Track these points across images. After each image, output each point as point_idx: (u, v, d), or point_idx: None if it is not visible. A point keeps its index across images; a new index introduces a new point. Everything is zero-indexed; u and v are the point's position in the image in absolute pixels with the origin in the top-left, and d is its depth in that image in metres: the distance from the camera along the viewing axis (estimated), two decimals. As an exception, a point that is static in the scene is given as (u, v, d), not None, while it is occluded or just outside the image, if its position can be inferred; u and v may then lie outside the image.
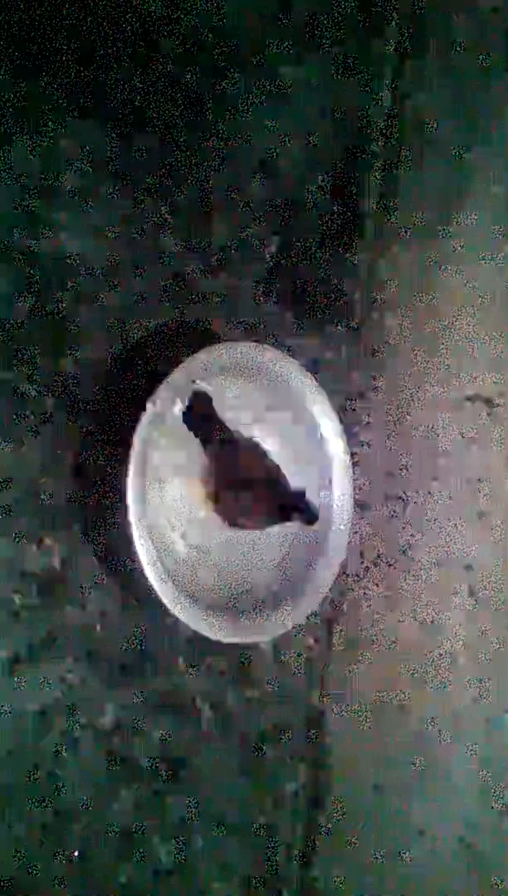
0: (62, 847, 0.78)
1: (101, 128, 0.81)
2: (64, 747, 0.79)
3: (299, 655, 0.91)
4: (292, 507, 0.79)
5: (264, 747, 0.90)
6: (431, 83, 0.96)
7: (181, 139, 0.85)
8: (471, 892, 0.81)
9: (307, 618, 0.87)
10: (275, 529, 0.87)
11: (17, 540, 0.77)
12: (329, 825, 0.92)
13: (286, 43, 0.91)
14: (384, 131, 0.98)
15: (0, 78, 0.77)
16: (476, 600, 0.84)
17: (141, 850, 0.83)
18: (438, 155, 0.95)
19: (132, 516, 0.74)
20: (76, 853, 0.79)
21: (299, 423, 0.88)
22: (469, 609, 0.85)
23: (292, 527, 0.87)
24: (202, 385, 0.82)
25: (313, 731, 0.92)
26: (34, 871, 0.77)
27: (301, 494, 0.79)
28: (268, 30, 0.90)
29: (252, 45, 0.89)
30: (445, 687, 0.85)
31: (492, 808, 0.81)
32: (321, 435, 0.88)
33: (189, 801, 0.85)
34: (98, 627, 0.80)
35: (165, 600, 0.76)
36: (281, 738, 0.90)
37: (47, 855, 0.78)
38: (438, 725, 0.85)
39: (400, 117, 0.98)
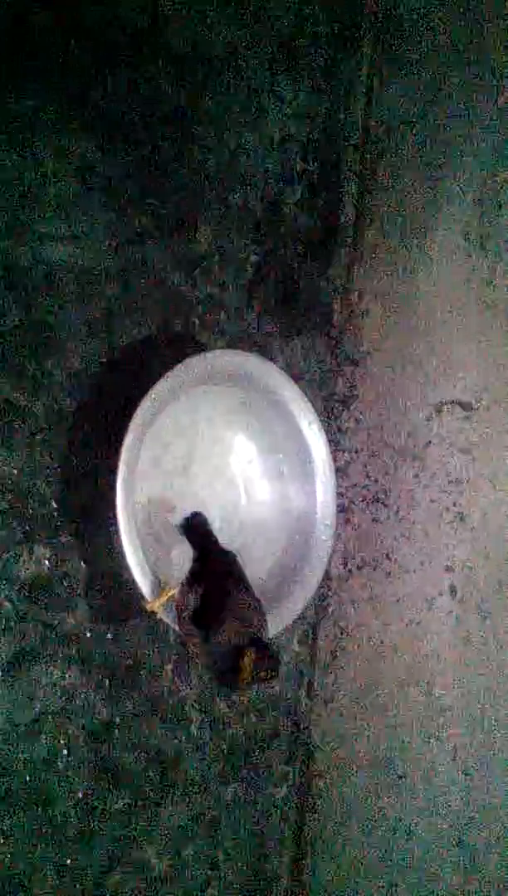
0: (55, 853, 0.79)
1: (86, 141, 0.82)
2: (56, 753, 0.79)
3: (285, 659, 0.93)
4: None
5: (253, 751, 0.90)
6: (404, 97, 0.99)
7: (165, 152, 0.87)
8: (461, 890, 0.82)
9: (294, 622, 0.89)
10: (263, 539, 0.89)
11: (7, 547, 0.77)
12: (319, 827, 0.93)
13: (266, 60, 0.94)
14: (358, 146, 1.00)
15: None
16: (457, 600, 0.86)
17: (133, 856, 0.83)
18: (411, 167, 0.98)
19: (121, 524, 0.75)
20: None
21: (284, 430, 0.90)
22: (450, 609, 0.86)
23: (280, 534, 0.89)
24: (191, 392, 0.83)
25: (301, 734, 0.94)
26: (27, 876, 0.77)
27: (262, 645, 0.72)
28: (249, 47, 0.92)
29: (234, 62, 0.91)
30: (430, 686, 0.86)
31: (480, 805, 0.82)
32: (305, 441, 0.90)
33: (180, 807, 0.86)
34: (88, 633, 0.81)
35: (152, 604, 0.77)
36: (270, 743, 0.91)
37: (39, 859, 0.78)
38: (423, 725, 0.86)
39: (375, 132, 1.01)
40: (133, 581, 0.76)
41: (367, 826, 0.90)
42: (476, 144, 0.92)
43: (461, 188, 0.91)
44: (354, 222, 1.00)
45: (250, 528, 0.90)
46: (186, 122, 0.88)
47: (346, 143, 1.00)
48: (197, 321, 0.90)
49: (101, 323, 0.83)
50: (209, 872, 0.88)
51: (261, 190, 0.94)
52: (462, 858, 0.82)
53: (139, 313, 0.85)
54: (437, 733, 0.85)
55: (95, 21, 0.82)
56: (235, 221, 0.92)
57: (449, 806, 0.83)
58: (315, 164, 0.99)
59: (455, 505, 0.86)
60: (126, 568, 0.76)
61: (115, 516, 0.75)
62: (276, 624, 0.86)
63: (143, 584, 0.76)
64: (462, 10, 0.93)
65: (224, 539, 0.83)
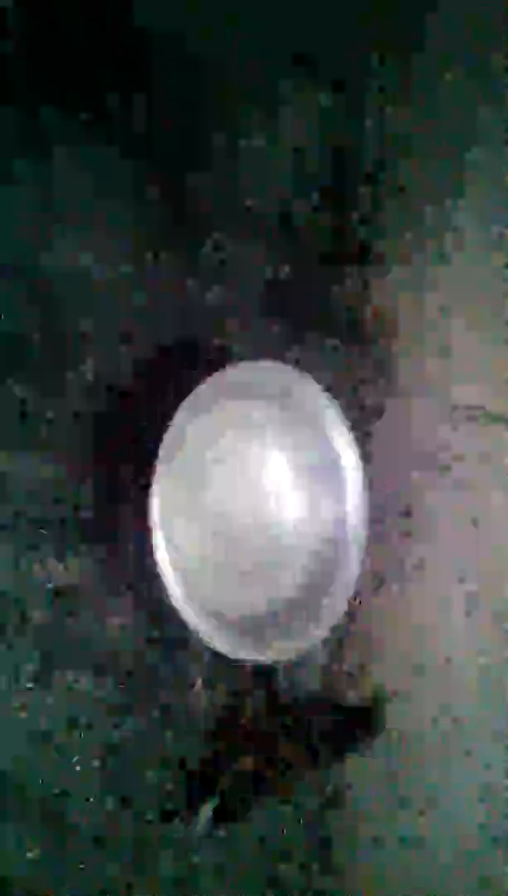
0: (74, 861, 0.78)
1: (104, 150, 0.81)
2: (80, 763, 0.79)
3: (314, 673, 0.92)
4: None
5: (279, 763, 0.90)
6: (418, 101, 0.98)
7: (183, 161, 0.86)
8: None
9: (324, 636, 0.88)
10: (293, 551, 0.88)
11: (38, 555, 0.77)
12: (334, 839, 0.92)
13: (283, 68, 0.93)
14: (376, 152, 1.00)
15: (4, 102, 0.77)
16: (480, 612, 0.86)
17: (150, 864, 0.83)
18: (427, 174, 0.98)
19: (156, 533, 0.75)
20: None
21: (312, 441, 0.89)
22: (476, 621, 0.86)
23: (310, 546, 0.88)
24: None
25: (326, 749, 0.93)
26: (46, 886, 0.77)
27: None
28: (265, 55, 0.91)
29: (251, 70, 0.90)
30: (453, 699, 0.86)
31: (496, 825, 0.82)
32: (334, 452, 0.89)
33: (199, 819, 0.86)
34: (116, 644, 0.80)
35: (185, 617, 0.76)
36: (296, 755, 0.91)
37: (58, 870, 0.77)
38: (447, 738, 0.86)
39: (391, 136, 1.00)
40: (166, 591, 0.75)
41: (383, 839, 0.90)
42: (490, 150, 0.92)
43: (476, 194, 0.91)
44: (373, 229, 0.99)
45: (280, 540, 0.89)
46: (203, 130, 0.87)
47: (363, 152, 0.99)
48: (217, 330, 0.89)
49: (120, 330, 0.82)
50: (230, 886, 0.88)
51: (278, 197, 0.93)
52: (475, 874, 0.82)
53: (158, 321, 0.84)
54: (460, 746, 0.85)
55: (112, 30, 0.81)
56: (254, 229, 0.91)
57: (466, 822, 0.82)
58: (334, 171, 0.98)
59: (474, 514, 0.86)
60: (159, 578, 0.75)
61: (148, 526, 0.75)
62: (305, 637, 0.85)
63: (176, 594, 0.76)
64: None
65: (253, 551, 0.83)
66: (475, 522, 0.87)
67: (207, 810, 0.81)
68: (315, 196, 0.95)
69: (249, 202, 0.90)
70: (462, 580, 0.89)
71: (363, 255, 0.98)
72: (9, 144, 0.76)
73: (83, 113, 0.79)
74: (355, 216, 0.99)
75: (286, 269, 0.93)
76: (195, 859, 0.83)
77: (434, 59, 0.97)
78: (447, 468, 0.91)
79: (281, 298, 0.92)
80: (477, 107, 0.93)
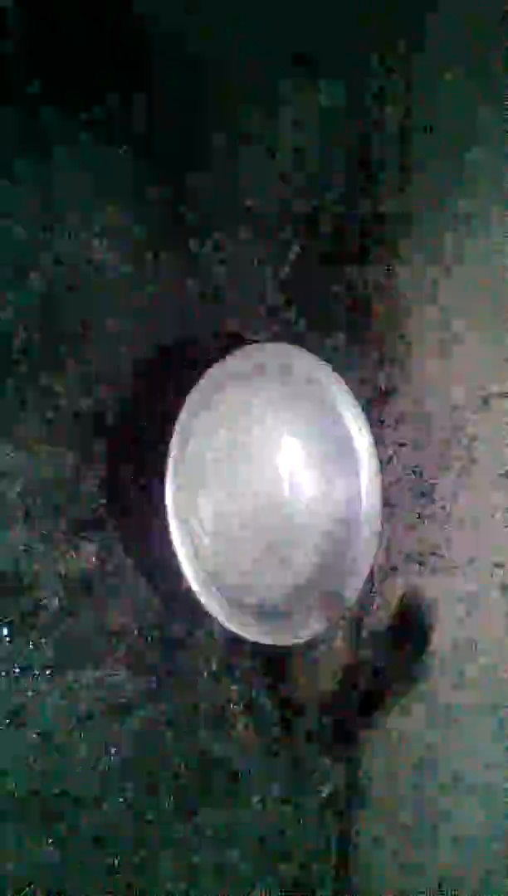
0: (104, 857, 0.77)
1: (110, 149, 0.81)
2: (102, 752, 0.78)
3: (332, 657, 0.91)
4: None
5: (298, 753, 0.89)
6: (441, 93, 0.98)
7: (192, 157, 0.86)
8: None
9: (340, 619, 0.87)
10: (307, 532, 0.88)
11: (54, 543, 0.76)
12: (364, 827, 0.91)
13: (291, 64, 0.93)
14: (392, 143, 0.99)
15: (5, 101, 0.77)
16: (506, 597, 0.84)
17: (180, 858, 0.82)
18: (445, 165, 0.97)
19: (171, 521, 0.74)
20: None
21: (327, 423, 0.88)
22: (502, 607, 0.84)
23: (325, 528, 0.87)
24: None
25: (345, 733, 0.92)
26: (72, 878, 0.76)
27: None
28: (272, 51, 0.91)
29: (258, 67, 0.90)
30: (480, 685, 0.85)
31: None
32: (349, 434, 0.89)
33: (225, 809, 0.85)
34: (135, 631, 0.80)
35: (202, 602, 0.76)
36: (314, 741, 0.90)
37: (86, 862, 0.77)
38: (475, 725, 0.85)
39: (406, 130, 1.00)
40: (182, 576, 0.74)
41: (414, 828, 0.88)
42: (495, 147, 0.91)
43: (497, 184, 0.89)
44: (392, 217, 0.99)
45: (294, 521, 0.89)
46: (211, 127, 0.87)
47: (379, 141, 0.99)
48: (238, 318, 0.89)
49: (143, 320, 0.82)
50: (255, 874, 0.87)
51: (301, 188, 0.93)
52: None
53: (181, 311, 0.84)
54: (489, 733, 0.83)
55: (112, 30, 0.81)
56: (275, 220, 0.91)
57: (502, 810, 0.81)
58: (353, 161, 0.97)
59: (505, 498, 0.84)
60: (175, 563, 0.74)
61: (163, 511, 0.74)
62: (320, 620, 0.85)
63: (192, 578, 0.75)
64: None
65: (267, 531, 0.83)
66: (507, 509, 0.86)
67: None
68: (315, 196, 0.95)
69: (249, 202, 0.90)
70: (487, 564, 0.88)
71: (364, 254, 0.98)
72: (9, 144, 0.76)
73: (83, 113, 0.79)
74: (373, 204, 0.99)
75: (286, 268, 0.92)
76: (196, 859, 0.82)
77: (434, 59, 0.97)
78: (468, 451, 0.90)
79: (282, 298, 0.92)
80: (477, 107, 0.92)
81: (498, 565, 0.85)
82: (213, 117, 0.88)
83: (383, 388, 0.96)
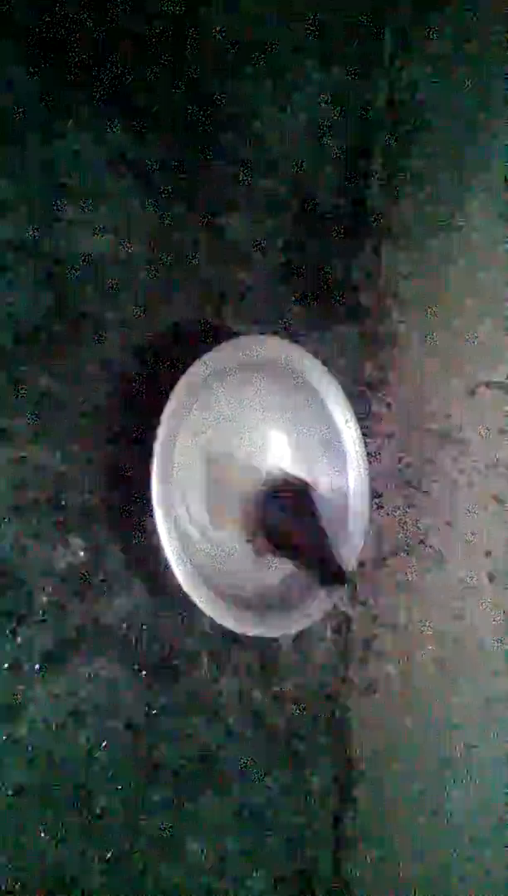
0: (97, 848, 0.78)
1: (120, 130, 0.81)
2: (95, 747, 0.78)
3: (322, 648, 0.92)
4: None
5: (291, 741, 0.90)
6: (430, 79, 0.97)
7: (197, 140, 0.86)
8: (505, 876, 0.81)
9: (328, 610, 0.88)
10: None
11: (44, 538, 0.77)
12: (358, 816, 0.92)
13: (296, 44, 0.93)
14: (387, 128, 0.99)
15: (14, 78, 0.77)
16: (498, 587, 0.85)
17: (176, 848, 0.82)
18: (439, 151, 0.96)
19: (158, 513, 0.74)
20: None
21: (314, 414, 0.88)
22: (490, 597, 0.85)
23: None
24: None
25: (339, 724, 0.93)
26: (70, 869, 0.77)
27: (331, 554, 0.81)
28: (279, 32, 0.91)
29: (264, 47, 0.90)
30: (471, 673, 0.85)
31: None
32: (337, 426, 0.89)
33: (221, 799, 0.85)
34: (126, 625, 0.80)
35: (191, 595, 0.76)
36: (308, 733, 0.90)
37: (84, 853, 0.77)
38: (465, 712, 0.85)
39: (403, 113, 1.00)
40: (170, 570, 0.75)
41: (407, 814, 0.89)
42: (502, 125, 0.90)
43: (488, 169, 0.89)
44: (383, 206, 0.98)
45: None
46: (217, 108, 0.87)
47: (375, 126, 0.99)
48: (229, 309, 0.89)
49: (134, 312, 0.82)
50: (250, 864, 0.87)
51: (291, 176, 0.93)
52: None
53: (173, 303, 0.84)
54: (480, 720, 0.84)
55: (127, 9, 0.80)
56: (265, 208, 0.91)
57: (494, 793, 0.82)
58: (343, 148, 0.97)
59: (494, 488, 0.85)
60: (164, 557, 0.75)
61: (151, 506, 0.75)
62: (311, 613, 0.85)
63: (180, 573, 0.75)
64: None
65: (254, 524, 0.85)
66: (495, 498, 0.86)
67: None
68: (329, 172, 0.95)
69: (263, 180, 0.90)
70: (478, 554, 0.88)
71: (352, 246, 0.98)
72: (17, 125, 0.76)
73: (94, 92, 0.79)
74: (368, 190, 0.99)
75: (275, 261, 0.92)
76: (192, 848, 0.83)
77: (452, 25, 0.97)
78: (456, 441, 0.90)
79: (270, 291, 0.92)
80: (491, 81, 0.92)
81: (487, 554, 0.86)
82: (224, 97, 0.88)
83: (370, 380, 0.96)
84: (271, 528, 0.85)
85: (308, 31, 0.94)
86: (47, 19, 0.77)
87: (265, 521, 0.85)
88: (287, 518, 0.84)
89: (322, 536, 0.81)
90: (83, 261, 0.79)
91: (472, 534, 0.87)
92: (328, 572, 0.80)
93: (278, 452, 0.88)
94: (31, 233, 0.77)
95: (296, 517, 0.83)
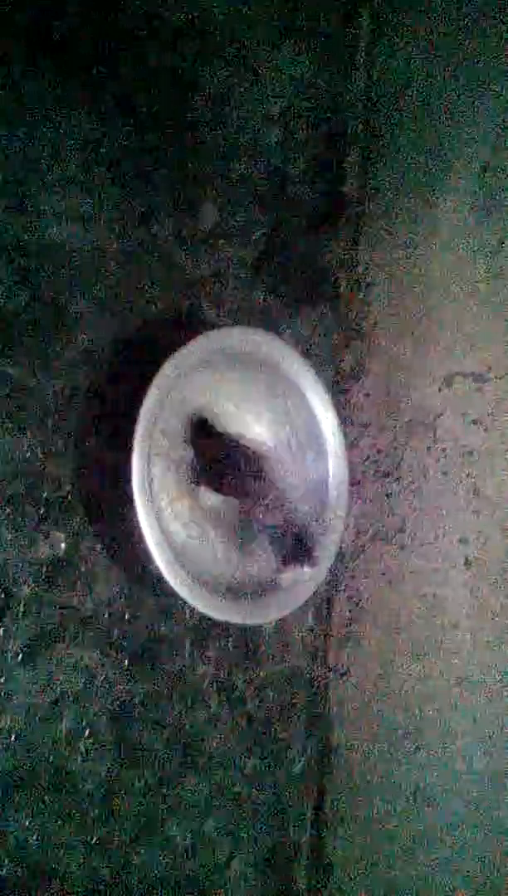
0: (81, 832, 0.79)
1: (91, 120, 0.81)
2: (78, 733, 0.79)
3: (302, 635, 0.93)
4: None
5: (271, 725, 0.91)
6: (406, 65, 0.98)
7: (169, 129, 0.86)
8: (482, 853, 0.83)
9: (308, 597, 0.89)
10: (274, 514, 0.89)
11: (23, 531, 0.77)
12: (338, 798, 0.94)
13: (266, 33, 0.93)
14: (362, 116, 1.00)
15: None
16: (472, 572, 0.86)
17: (157, 832, 0.84)
18: (415, 138, 0.97)
19: (138, 503, 0.75)
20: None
21: (293, 405, 0.89)
22: (465, 581, 0.86)
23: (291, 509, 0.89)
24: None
25: (318, 707, 0.94)
26: (52, 855, 0.78)
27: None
28: (248, 20, 0.91)
29: (234, 36, 0.90)
30: (447, 657, 0.87)
31: (502, 770, 0.83)
32: (315, 416, 0.90)
33: (202, 783, 0.87)
34: (107, 614, 0.81)
35: (172, 584, 0.77)
36: (288, 717, 0.92)
37: (65, 839, 0.78)
38: (441, 695, 0.87)
39: (376, 102, 1.00)
40: (151, 559, 0.76)
41: (386, 795, 0.91)
42: (479, 112, 0.91)
43: (465, 157, 0.90)
44: (358, 194, 0.99)
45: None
46: (188, 98, 0.87)
47: (348, 115, 0.99)
48: (204, 298, 0.89)
49: (109, 303, 0.82)
50: (232, 846, 0.89)
51: (264, 164, 0.93)
52: (484, 821, 0.83)
53: (147, 292, 0.84)
54: (455, 702, 0.86)
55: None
56: (239, 197, 0.91)
57: (470, 772, 0.83)
58: (318, 136, 0.98)
59: (468, 476, 0.86)
60: (144, 546, 0.76)
61: (131, 496, 0.75)
62: (290, 600, 0.86)
63: (160, 561, 0.76)
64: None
65: (233, 513, 0.85)
66: (470, 485, 0.87)
67: None
68: (302, 161, 0.96)
69: (235, 170, 0.90)
70: (453, 540, 0.89)
71: (329, 234, 0.99)
72: None
73: (70, 80, 0.79)
74: (343, 180, 0.99)
75: (251, 249, 0.93)
76: (173, 831, 0.84)
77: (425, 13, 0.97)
78: (432, 430, 0.91)
79: (247, 280, 0.92)
80: (469, 64, 0.92)
81: (462, 540, 0.87)
82: (199, 84, 0.88)
83: (347, 369, 0.97)
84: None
85: (282, 16, 0.94)
86: (10, 5, 0.77)
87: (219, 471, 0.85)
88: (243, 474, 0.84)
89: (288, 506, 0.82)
90: (54, 250, 0.80)
91: (448, 520, 0.89)
92: (300, 550, 0.81)
93: (259, 441, 0.89)
94: (5, 225, 0.77)
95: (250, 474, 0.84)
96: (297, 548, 0.82)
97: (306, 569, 0.83)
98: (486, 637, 0.84)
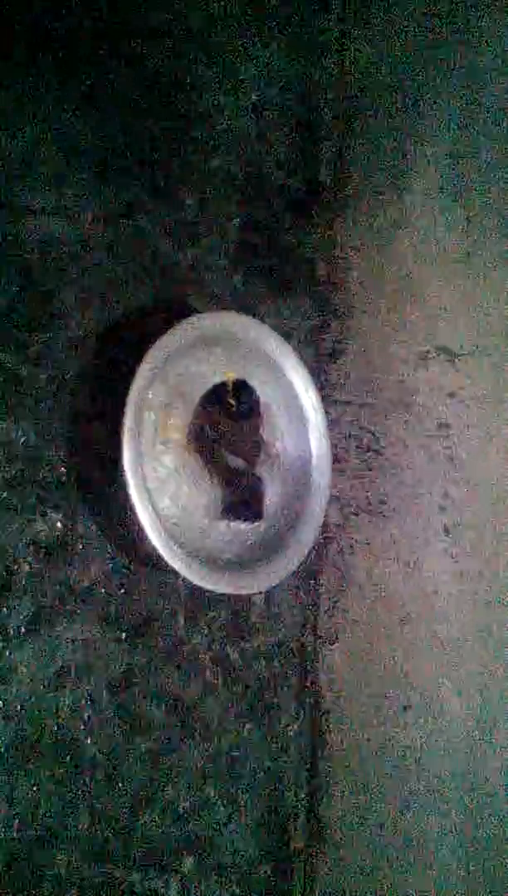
0: (85, 798, 0.83)
1: (72, 114, 0.84)
2: (80, 704, 0.83)
3: (290, 603, 0.97)
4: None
5: (264, 692, 0.95)
6: (376, 56, 1.01)
7: (148, 122, 0.89)
8: (467, 807, 0.87)
9: (296, 568, 0.92)
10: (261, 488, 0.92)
11: (21, 512, 0.80)
12: (331, 760, 0.98)
13: (239, 25, 0.96)
14: (333, 105, 1.03)
15: None
16: (451, 539, 0.90)
17: (158, 797, 0.88)
18: (386, 123, 1.01)
19: (130, 482, 0.78)
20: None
21: (276, 386, 0.93)
22: (445, 547, 0.90)
23: (278, 486, 0.92)
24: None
25: (308, 674, 0.98)
26: (60, 821, 0.81)
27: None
28: (221, 13, 0.94)
29: (208, 29, 0.93)
30: (431, 623, 0.91)
31: (486, 730, 0.87)
32: (297, 396, 0.93)
33: (200, 749, 0.90)
34: (104, 590, 0.84)
35: (165, 557, 0.80)
36: (280, 684, 0.96)
37: (71, 806, 0.82)
38: (426, 658, 0.91)
39: (348, 90, 1.04)
40: (144, 537, 0.79)
41: (377, 757, 0.95)
42: (447, 101, 0.95)
43: (435, 142, 0.94)
44: (333, 180, 1.03)
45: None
46: (165, 91, 0.90)
47: (321, 103, 1.02)
48: (187, 286, 0.93)
49: (96, 293, 0.85)
50: (230, 809, 0.93)
51: (241, 154, 0.96)
52: (469, 778, 0.87)
53: (132, 282, 0.88)
54: (440, 665, 0.90)
55: None
56: (218, 186, 0.94)
57: (456, 732, 0.87)
58: (292, 124, 1.01)
59: (445, 448, 0.90)
60: (137, 522, 0.79)
61: (122, 476, 0.79)
62: (279, 571, 0.90)
63: (154, 538, 0.79)
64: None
65: (218, 488, 0.90)
66: (447, 457, 0.91)
67: None
68: (278, 149, 0.99)
69: (213, 160, 0.94)
70: (433, 509, 0.93)
71: (306, 218, 1.02)
72: None
73: (50, 76, 0.82)
74: (318, 166, 1.02)
75: (230, 234, 0.96)
76: (171, 796, 0.88)
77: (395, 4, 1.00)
78: (409, 405, 0.95)
79: (226, 264, 0.96)
80: (438, 49, 0.95)
81: (441, 508, 0.91)
82: (178, 81, 0.91)
83: (327, 350, 1.01)
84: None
85: (251, 10, 0.97)
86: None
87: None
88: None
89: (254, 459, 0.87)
90: (42, 244, 0.83)
91: (427, 491, 0.92)
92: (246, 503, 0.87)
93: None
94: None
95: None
96: (244, 500, 0.87)
97: (244, 525, 0.89)
98: (465, 601, 0.88)
